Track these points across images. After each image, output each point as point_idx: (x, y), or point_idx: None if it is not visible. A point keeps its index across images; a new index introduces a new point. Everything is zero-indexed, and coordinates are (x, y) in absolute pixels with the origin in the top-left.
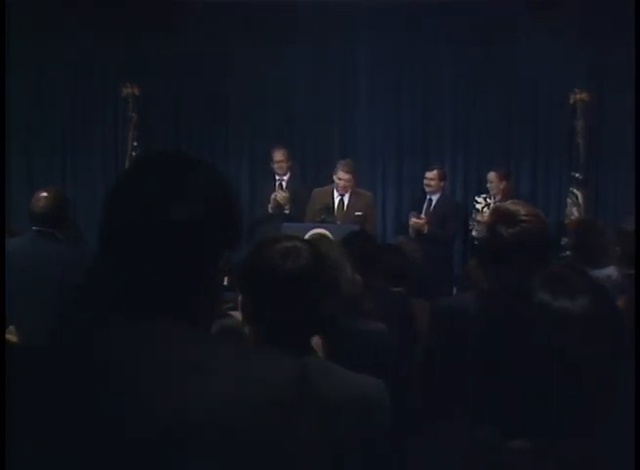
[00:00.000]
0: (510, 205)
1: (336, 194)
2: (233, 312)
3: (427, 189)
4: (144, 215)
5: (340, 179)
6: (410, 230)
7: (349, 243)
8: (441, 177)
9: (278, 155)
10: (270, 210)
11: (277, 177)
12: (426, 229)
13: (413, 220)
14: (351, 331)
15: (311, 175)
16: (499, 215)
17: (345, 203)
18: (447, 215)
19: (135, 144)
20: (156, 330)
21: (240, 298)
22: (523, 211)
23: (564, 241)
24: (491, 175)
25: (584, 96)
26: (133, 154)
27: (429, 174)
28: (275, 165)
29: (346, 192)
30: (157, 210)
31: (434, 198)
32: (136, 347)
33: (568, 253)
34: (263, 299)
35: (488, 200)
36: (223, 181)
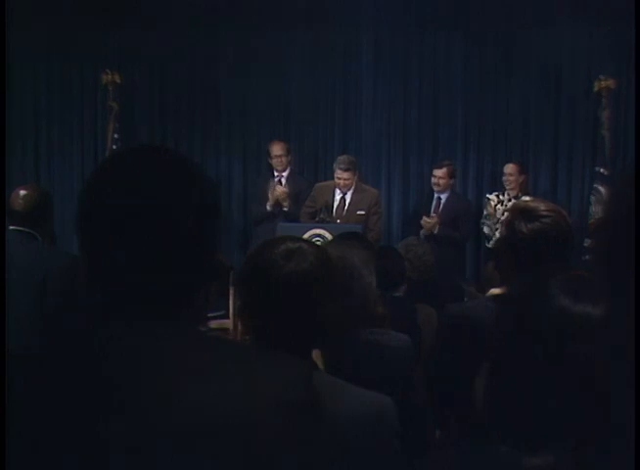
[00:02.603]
0: (529, 201)
1: (337, 191)
2: (224, 320)
3: (435, 188)
4: (124, 214)
5: (338, 179)
6: (422, 231)
7: (340, 241)
8: (451, 175)
9: (277, 149)
10: (269, 207)
11: (276, 173)
12: (437, 229)
13: (425, 220)
14: (359, 342)
15: (309, 173)
16: (517, 212)
17: (347, 201)
18: (459, 215)
19: (116, 137)
20: (154, 334)
21: (238, 304)
22: (543, 207)
23: (587, 243)
24: (509, 167)
25: (610, 83)
26: (114, 148)
27: (437, 172)
28: (273, 160)
29: (349, 190)
30: (138, 208)
31: (444, 197)
32: (134, 352)
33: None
34: (262, 304)
35: (501, 197)
36: (205, 178)
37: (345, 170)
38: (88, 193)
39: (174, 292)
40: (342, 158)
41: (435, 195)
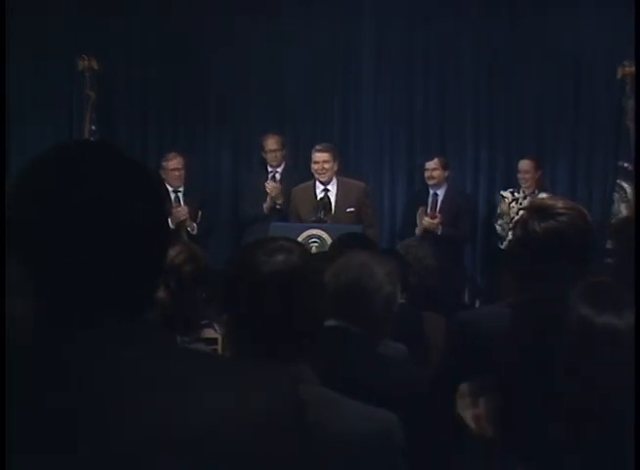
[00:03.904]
0: (546, 198)
1: (319, 187)
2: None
3: (430, 182)
4: (56, 216)
5: (316, 162)
6: (418, 231)
7: (343, 245)
8: (444, 166)
9: (271, 142)
10: (265, 210)
11: (269, 168)
12: (440, 230)
13: (427, 220)
14: (360, 353)
15: (305, 169)
16: (532, 210)
17: (332, 198)
18: (459, 212)
19: (93, 128)
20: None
21: (220, 311)
22: (560, 205)
23: (609, 244)
24: (524, 163)
25: (635, 70)
26: (92, 140)
27: (429, 164)
28: (267, 155)
29: (329, 180)
30: (72, 209)
31: (441, 192)
32: (91, 363)
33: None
34: (249, 309)
35: (516, 194)
36: (149, 177)
37: (323, 151)
38: (19, 200)
39: (122, 294)
40: (320, 145)
41: (431, 191)
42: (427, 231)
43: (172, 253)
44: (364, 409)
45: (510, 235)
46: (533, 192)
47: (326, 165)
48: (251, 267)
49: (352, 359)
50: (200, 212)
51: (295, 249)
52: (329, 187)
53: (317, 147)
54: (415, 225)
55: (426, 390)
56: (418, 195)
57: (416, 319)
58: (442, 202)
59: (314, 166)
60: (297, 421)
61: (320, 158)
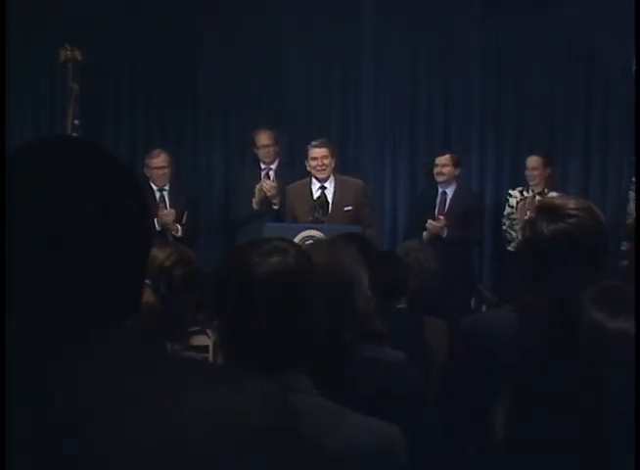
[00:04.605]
0: (557, 198)
1: (315, 185)
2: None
3: (439, 179)
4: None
5: (314, 159)
6: (425, 233)
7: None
8: (455, 163)
9: (263, 138)
10: (255, 205)
11: (262, 166)
12: (445, 232)
13: (431, 223)
14: (357, 360)
15: (302, 166)
16: (541, 210)
17: (330, 196)
18: (469, 212)
19: (77, 123)
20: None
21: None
22: (571, 205)
23: (624, 246)
24: (533, 160)
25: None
26: (75, 135)
27: (440, 159)
28: (260, 151)
29: (326, 178)
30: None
31: (450, 191)
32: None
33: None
34: (241, 313)
35: (525, 193)
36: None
37: (320, 147)
38: None
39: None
40: (317, 140)
41: (440, 189)
42: (432, 235)
43: (162, 255)
44: (364, 421)
45: (519, 236)
46: (543, 191)
47: (325, 161)
48: (243, 269)
49: (338, 365)
50: (185, 213)
51: (290, 249)
52: (326, 185)
53: (314, 143)
54: (421, 225)
55: (421, 392)
56: (425, 193)
57: (416, 323)
58: (451, 201)
59: (312, 163)
60: (289, 433)
61: (319, 153)
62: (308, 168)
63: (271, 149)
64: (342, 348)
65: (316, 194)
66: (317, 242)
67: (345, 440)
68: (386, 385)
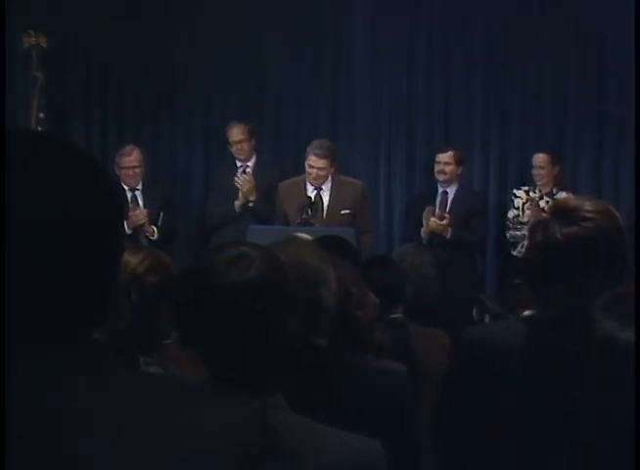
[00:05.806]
0: (572, 199)
1: (309, 187)
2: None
3: (440, 177)
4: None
5: (311, 167)
6: (423, 233)
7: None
8: (458, 161)
9: (235, 132)
10: (237, 207)
11: (238, 163)
12: (449, 233)
13: (434, 221)
14: (348, 369)
15: (288, 164)
16: (554, 212)
17: (325, 198)
18: (471, 214)
19: (42, 116)
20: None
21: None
22: (586, 207)
23: None
24: (539, 158)
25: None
26: (39, 129)
27: (442, 156)
28: (233, 147)
29: (322, 183)
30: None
31: (451, 190)
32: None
33: None
34: (201, 326)
35: (532, 193)
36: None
37: (322, 157)
38: None
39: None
40: (317, 142)
41: (440, 188)
42: (434, 234)
43: (134, 260)
44: (343, 437)
45: (525, 240)
46: (551, 191)
47: (321, 173)
48: (203, 279)
49: (317, 373)
50: (161, 214)
51: (257, 256)
52: (322, 186)
53: (316, 151)
54: (419, 226)
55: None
56: (424, 192)
57: (405, 335)
58: (453, 201)
59: (310, 172)
60: (269, 451)
61: (316, 163)
62: (306, 168)
63: (245, 144)
64: (318, 353)
65: (311, 194)
66: (273, 243)
67: (325, 458)
68: (375, 397)
